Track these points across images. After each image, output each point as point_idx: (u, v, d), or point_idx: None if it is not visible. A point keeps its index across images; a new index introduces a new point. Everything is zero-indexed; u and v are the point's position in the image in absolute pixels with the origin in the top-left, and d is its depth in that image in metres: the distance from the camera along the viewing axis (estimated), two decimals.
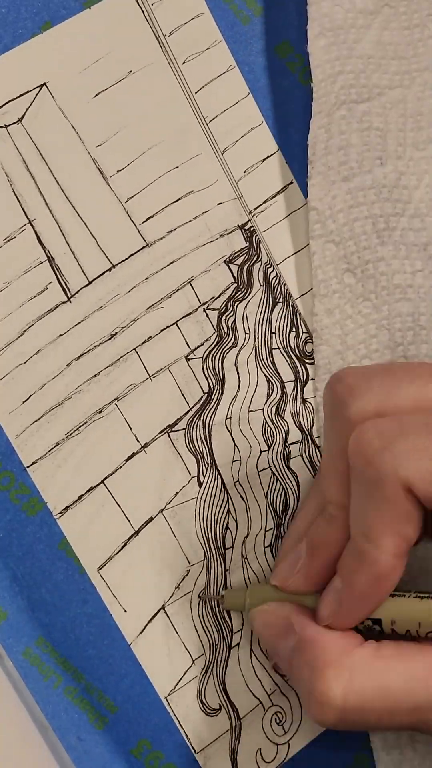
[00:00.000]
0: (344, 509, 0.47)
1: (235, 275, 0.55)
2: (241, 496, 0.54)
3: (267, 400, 0.55)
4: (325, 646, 0.47)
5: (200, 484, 0.53)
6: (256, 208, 0.55)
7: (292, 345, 0.56)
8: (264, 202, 0.55)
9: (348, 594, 0.47)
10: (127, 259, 0.52)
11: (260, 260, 0.55)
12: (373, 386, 0.46)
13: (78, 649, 0.50)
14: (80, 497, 0.50)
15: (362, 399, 0.45)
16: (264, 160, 0.55)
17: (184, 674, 0.52)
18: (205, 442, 0.54)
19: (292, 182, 0.55)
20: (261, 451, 0.55)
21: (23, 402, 0.50)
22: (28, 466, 0.50)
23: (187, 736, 0.52)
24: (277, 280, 0.55)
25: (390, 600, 0.47)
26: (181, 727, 0.52)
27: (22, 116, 0.50)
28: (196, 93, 0.53)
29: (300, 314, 0.56)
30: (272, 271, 0.55)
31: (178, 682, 0.52)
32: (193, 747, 0.52)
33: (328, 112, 0.54)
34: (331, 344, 0.55)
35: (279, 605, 0.50)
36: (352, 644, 0.47)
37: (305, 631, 0.48)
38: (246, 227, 0.55)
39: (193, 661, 0.52)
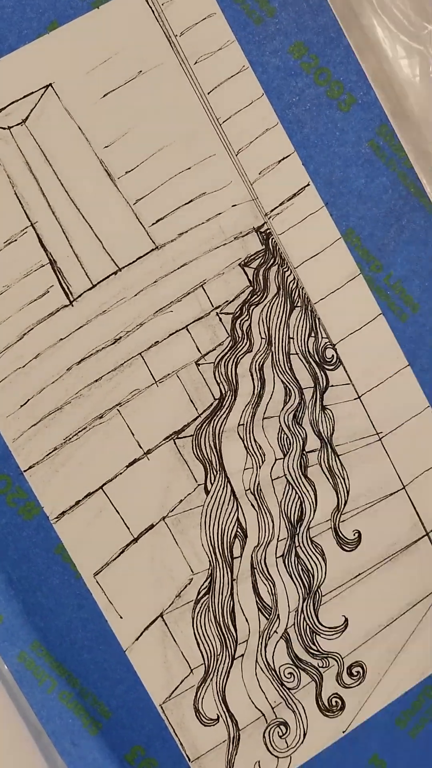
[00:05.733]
0: None
1: (251, 278, 0.54)
2: (252, 505, 0.53)
3: (284, 406, 0.54)
4: None
5: (207, 492, 0.52)
6: (272, 210, 0.54)
7: (311, 350, 0.55)
8: (280, 204, 0.54)
9: None
10: (134, 262, 0.51)
11: (277, 263, 0.54)
12: None
13: (73, 654, 0.50)
14: (78, 502, 0.50)
15: None
16: (280, 161, 0.54)
17: (181, 683, 0.52)
18: (214, 449, 0.53)
19: (309, 184, 0.54)
20: (276, 459, 0.54)
21: (21, 406, 0.50)
22: (24, 471, 0.49)
23: (181, 744, 0.51)
24: (295, 284, 0.54)
25: None
26: (176, 735, 0.51)
27: (26, 117, 0.50)
28: (208, 94, 0.52)
29: (319, 319, 0.54)
30: (290, 275, 0.54)
31: (174, 691, 0.51)
32: (187, 755, 0.51)
33: None
34: None
35: None
36: None
37: None
38: (262, 230, 0.54)
39: (192, 671, 0.52)
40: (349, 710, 0.54)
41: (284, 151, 0.54)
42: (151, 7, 0.51)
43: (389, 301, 0.55)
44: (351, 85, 0.54)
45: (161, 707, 0.51)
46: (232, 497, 0.53)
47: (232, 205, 0.53)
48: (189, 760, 0.52)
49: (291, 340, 0.54)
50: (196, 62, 0.52)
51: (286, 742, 0.53)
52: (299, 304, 0.54)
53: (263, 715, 0.53)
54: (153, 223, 0.52)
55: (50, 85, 0.50)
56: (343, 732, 0.54)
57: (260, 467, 0.54)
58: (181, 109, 0.52)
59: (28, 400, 0.50)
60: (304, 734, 0.53)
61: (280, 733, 0.53)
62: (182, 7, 0.51)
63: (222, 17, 0.52)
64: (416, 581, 0.56)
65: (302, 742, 0.53)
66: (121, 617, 0.51)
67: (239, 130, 0.53)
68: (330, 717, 0.54)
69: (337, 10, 0.53)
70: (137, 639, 0.51)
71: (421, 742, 0.55)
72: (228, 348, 0.53)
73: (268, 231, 0.54)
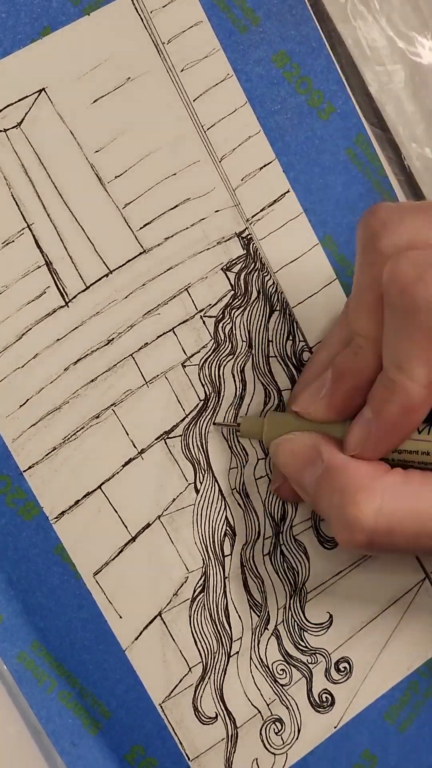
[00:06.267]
0: (372, 341, 0.47)
1: (233, 283, 0.55)
2: (239, 504, 0.54)
3: (264, 407, 0.55)
4: (356, 472, 0.47)
5: (197, 491, 0.53)
6: (253, 216, 0.55)
7: (288, 353, 0.56)
8: (261, 210, 0.55)
9: (378, 424, 0.47)
10: (124, 264, 0.52)
11: (257, 268, 0.55)
12: (405, 221, 0.46)
13: (72, 654, 0.50)
14: (77, 502, 0.50)
15: (395, 233, 0.46)
16: (261, 168, 0.55)
17: (180, 681, 0.52)
18: (201, 449, 0.53)
19: (288, 191, 0.55)
20: (258, 459, 0.55)
21: (20, 406, 0.50)
22: (24, 471, 0.49)
23: (181, 743, 0.52)
24: (274, 288, 0.55)
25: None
26: (176, 734, 0.51)
27: (21, 121, 0.50)
28: (194, 101, 0.53)
29: (297, 323, 0.56)
30: (269, 280, 0.55)
31: (173, 690, 0.52)
32: (186, 754, 0.52)
33: None
34: None
35: (304, 434, 0.50)
36: (381, 471, 0.48)
37: (334, 459, 0.48)
38: (243, 235, 0.55)
39: (190, 669, 0.52)
40: (339, 705, 0.55)
41: (266, 158, 0.55)
42: (139, 15, 0.52)
43: None
44: (330, 94, 0.55)
45: (161, 706, 0.51)
46: (220, 496, 0.54)
47: (216, 211, 0.54)
48: (188, 759, 0.52)
49: (270, 343, 0.55)
50: (182, 69, 0.53)
51: (282, 739, 0.54)
52: (278, 308, 0.56)
53: (259, 712, 0.53)
54: (141, 227, 0.53)
55: (44, 89, 0.50)
56: (335, 727, 0.55)
57: (244, 467, 0.54)
58: (168, 115, 0.53)
59: (28, 400, 0.50)
60: (299, 730, 0.54)
61: (276, 730, 0.54)
62: (170, 15, 0.53)
63: (208, 25, 0.53)
64: (397, 577, 0.57)
65: (297, 739, 0.54)
66: (120, 617, 0.51)
67: (223, 137, 0.54)
68: (321, 712, 0.55)
69: (319, 19, 0.55)
70: (136, 638, 0.51)
71: (410, 736, 0.56)
72: (211, 350, 0.54)
73: (249, 236, 0.55)
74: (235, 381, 0.55)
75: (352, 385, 0.49)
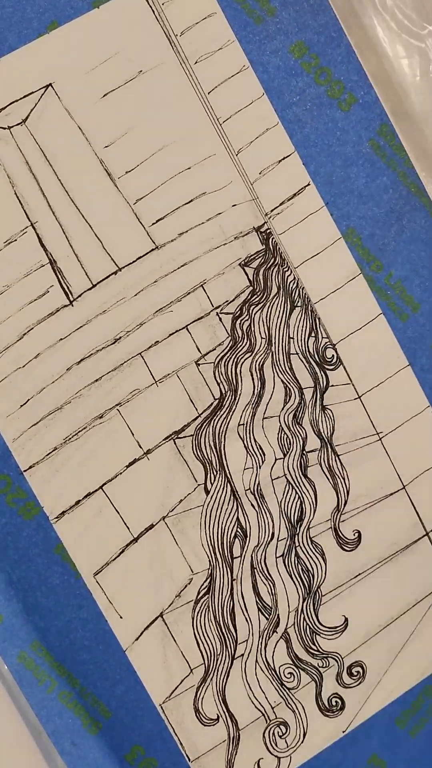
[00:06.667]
0: None
1: (251, 278, 0.53)
2: (252, 505, 0.53)
3: (284, 406, 0.54)
4: None
5: (207, 492, 0.52)
6: (272, 210, 0.54)
7: (311, 350, 0.55)
8: (281, 204, 0.54)
9: None
10: (134, 262, 0.51)
11: (277, 263, 0.54)
12: None
13: (73, 654, 0.50)
14: (77, 502, 0.50)
15: None
16: (280, 161, 0.53)
17: (181, 683, 0.52)
18: (214, 449, 0.53)
19: (309, 184, 0.54)
20: (276, 459, 0.54)
21: (21, 406, 0.50)
22: (24, 470, 0.50)
23: (181, 744, 0.51)
24: (295, 284, 0.54)
25: None
26: (176, 735, 0.51)
27: (26, 117, 0.49)
28: (208, 93, 0.52)
29: (319, 319, 0.54)
30: (290, 275, 0.54)
31: (174, 690, 0.51)
32: (187, 755, 0.51)
33: None
34: None
35: None
36: None
37: None
38: (262, 229, 0.54)
39: (191, 671, 0.52)
40: (349, 710, 0.54)
41: (285, 151, 0.54)
42: (151, 7, 0.51)
43: (389, 301, 0.55)
44: (352, 84, 0.54)
45: (161, 707, 0.51)
46: (232, 497, 0.53)
47: (232, 205, 0.53)
48: (189, 759, 0.52)
49: (291, 340, 0.54)
50: (196, 62, 0.52)
51: (286, 742, 0.53)
52: (299, 304, 0.54)
53: (263, 714, 0.53)
54: (153, 223, 0.52)
55: (50, 84, 0.50)
56: (343, 732, 0.54)
57: (260, 467, 0.54)
58: (181, 108, 0.52)
59: (29, 399, 0.50)
60: (304, 734, 0.53)
61: (280, 733, 0.53)
62: (183, 6, 0.51)
63: (222, 17, 0.52)
64: (416, 581, 0.56)
65: (302, 742, 0.53)
66: (121, 617, 0.51)
67: (239, 130, 0.53)
68: (330, 717, 0.54)
69: (337, 9, 0.53)
70: (137, 639, 0.51)
71: (421, 741, 0.55)
72: (228, 348, 0.53)
73: (268, 231, 0.54)
74: (253, 379, 0.54)
75: None
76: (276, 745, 0.53)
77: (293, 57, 0.53)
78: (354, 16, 0.54)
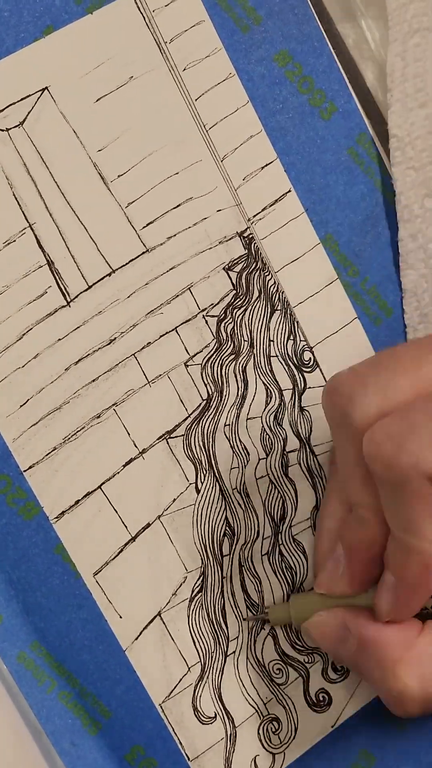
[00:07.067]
0: (374, 509, 0.47)
1: (234, 282, 0.55)
2: (239, 504, 0.54)
3: (265, 407, 0.55)
4: (388, 644, 0.48)
5: (198, 491, 0.53)
6: (255, 216, 0.55)
7: (290, 353, 0.56)
8: (263, 210, 0.55)
9: (402, 587, 0.47)
10: (126, 264, 0.52)
11: (258, 268, 0.55)
12: (368, 389, 0.46)
13: (72, 654, 0.50)
14: (77, 502, 0.50)
15: (363, 405, 0.46)
16: (263, 168, 0.55)
17: (180, 681, 0.52)
18: (203, 449, 0.53)
19: (290, 191, 0.55)
20: (259, 459, 0.55)
21: (21, 406, 0.50)
22: (24, 470, 0.49)
23: (181, 743, 0.52)
24: (276, 288, 0.55)
25: None
26: (176, 734, 0.52)
27: (24, 120, 0.50)
28: (196, 100, 0.53)
29: (298, 322, 0.56)
30: (270, 279, 0.55)
31: (173, 690, 0.52)
32: (186, 755, 0.52)
33: (403, 40, 0.55)
34: (416, 268, 0.56)
35: (330, 613, 0.50)
36: (413, 633, 0.48)
37: (365, 633, 0.49)
38: (245, 234, 0.55)
39: (189, 669, 0.52)
40: (336, 705, 0.55)
41: (267, 158, 0.55)
42: (142, 14, 0.52)
43: (365, 306, 0.57)
44: (332, 93, 0.55)
45: (161, 707, 0.51)
46: (220, 496, 0.54)
47: (217, 210, 0.54)
48: (188, 759, 0.52)
49: (271, 343, 0.55)
50: (184, 69, 0.53)
51: (279, 738, 0.54)
52: (279, 308, 0.55)
53: (257, 711, 0.53)
54: (144, 227, 0.52)
55: (46, 88, 0.50)
56: (332, 726, 0.55)
57: (245, 467, 0.54)
58: (170, 114, 0.53)
59: (28, 400, 0.50)
60: (296, 730, 0.54)
61: (274, 729, 0.54)
62: (172, 14, 0.52)
63: (210, 24, 0.53)
64: None
65: (294, 738, 0.54)
66: (120, 617, 0.51)
67: (225, 137, 0.54)
68: (318, 712, 0.55)
69: (321, 19, 0.55)
70: (136, 639, 0.51)
71: (409, 735, 0.56)
72: (214, 350, 0.54)
73: (250, 236, 0.55)
74: (237, 380, 0.55)
75: (366, 556, 0.49)
76: (270, 741, 0.53)
77: (277, 66, 0.54)
78: (337, 27, 0.56)
